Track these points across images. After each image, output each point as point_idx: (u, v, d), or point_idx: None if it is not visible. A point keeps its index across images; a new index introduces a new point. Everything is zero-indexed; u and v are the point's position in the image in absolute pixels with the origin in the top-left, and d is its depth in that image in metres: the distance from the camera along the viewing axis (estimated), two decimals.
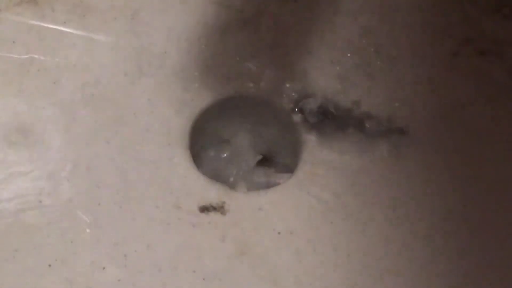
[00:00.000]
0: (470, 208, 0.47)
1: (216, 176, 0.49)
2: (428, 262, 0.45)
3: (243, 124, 0.52)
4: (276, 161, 0.53)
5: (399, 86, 0.50)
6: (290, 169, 0.50)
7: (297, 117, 0.50)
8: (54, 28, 0.50)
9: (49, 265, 0.43)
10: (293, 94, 0.50)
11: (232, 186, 0.48)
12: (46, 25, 0.50)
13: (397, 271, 0.44)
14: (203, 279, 0.43)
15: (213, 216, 0.45)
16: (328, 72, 0.51)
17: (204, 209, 0.46)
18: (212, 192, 0.46)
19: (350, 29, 0.51)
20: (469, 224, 0.46)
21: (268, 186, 0.48)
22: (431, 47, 0.51)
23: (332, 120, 0.49)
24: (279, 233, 0.45)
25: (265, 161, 0.52)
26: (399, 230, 0.46)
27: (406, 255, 0.45)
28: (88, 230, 0.44)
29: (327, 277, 0.44)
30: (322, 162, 0.48)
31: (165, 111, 0.49)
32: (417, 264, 0.45)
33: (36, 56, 0.49)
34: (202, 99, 0.50)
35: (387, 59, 0.51)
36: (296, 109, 0.50)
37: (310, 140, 0.49)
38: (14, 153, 0.46)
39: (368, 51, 0.51)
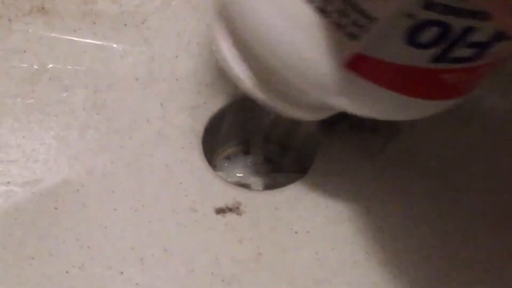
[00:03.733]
0: (489, 205, 0.46)
1: (231, 177, 0.49)
2: (446, 258, 0.44)
3: (257, 125, 0.52)
4: (291, 160, 0.53)
5: None
6: (305, 168, 0.49)
7: None
8: (65, 37, 0.50)
9: (66, 272, 0.43)
10: None
11: (247, 187, 0.48)
12: (56, 33, 0.50)
13: (415, 268, 0.44)
14: (222, 280, 0.43)
15: (230, 217, 0.45)
16: None
17: (220, 210, 0.45)
18: (228, 194, 0.46)
19: None
20: (488, 221, 0.46)
21: (283, 185, 0.48)
22: None
23: (346, 118, 0.49)
24: (296, 232, 0.45)
25: (280, 161, 0.52)
26: (417, 227, 0.45)
27: (424, 252, 0.45)
28: (104, 236, 0.44)
29: (346, 275, 0.43)
30: (338, 160, 0.48)
31: (178, 115, 0.49)
32: (435, 261, 0.44)
33: (47, 65, 0.49)
34: (214, 102, 0.50)
35: None
36: None
37: (325, 139, 0.49)
38: None
39: None
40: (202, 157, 0.48)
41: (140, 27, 0.50)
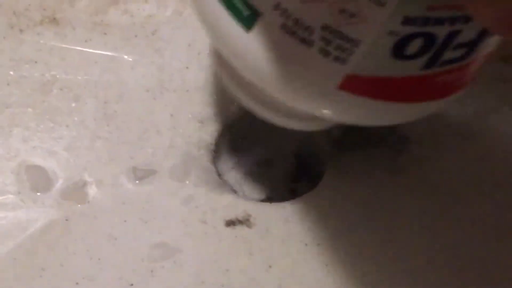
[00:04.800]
0: (499, 216, 0.46)
1: (241, 189, 0.49)
2: (458, 271, 0.44)
3: (268, 137, 0.52)
4: (301, 172, 0.53)
5: None
6: (315, 180, 0.49)
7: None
8: (76, 47, 0.50)
9: (77, 283, 0.43)
10: None
11: (257, 199, 0.48)
12: (67, 44, 0.50)
13: (425, 279, 0.44)
14: None
15: (240, 229, 0.45)
16: None
17: (230, 223, 0.45)
18: (238, 206, 0.46)
19: None
20: (498, 231, 0.46)
21: (293, 197, 0.48)
22: None
23: (355, 130, 0.49)
24: (306, 244, 0.45)
25: (290, 173, 0.52)
26: (426, 240, 0.45)
27: (435, 265, 0.45)
28: (114, 247, 0.44)
29: (356, 287, 0.43)
30: (347, 173, 0.48)
31: (188, 126, 0.49)
32: (446, 274, 0.44)
33: (58, 75, 0.49)
34: (225, 114, 0.50)
35: None
36: None
37: (335, 150, 0.49)
38: None
39: None
40: (212, 168, 0.48)
41: (150, 38, 0.51)
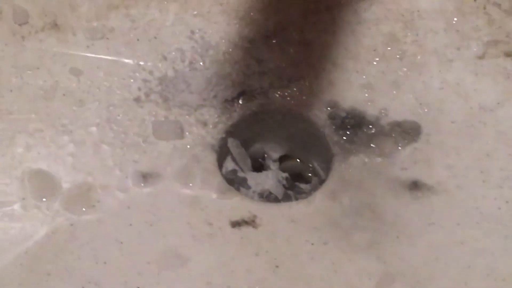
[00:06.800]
0: (505, 211, 0.46)
1: (246, 190, 0.49)
2: (465, 266, 0.44)
3: (271, 138, 0.52)
4: (307, 172, 0.53)
5: (426, 92, 0.50)
6: (320, 180, 0.49)
7: (325, 129, 0.49)
8: (78, 53, 0.50)
9: None
10: (320, 106, 0.50)
11: (262, 200, 0.48)
12: (69, 50, 0.50)
13: (433, 277, 0.44)
14: None
15: (245, 230, 0.45)
16: (354, 82, 0.50)
17: (236, 224, 0.45)
18: (243, 207, 0.46)
19: (373, 38, 0.51)
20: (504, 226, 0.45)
21: (299, 197, 0.48)
22: (456, 51, 0.50)
23: (360, 129, 0.49)
24: (312, 244, 0.45)
25: (295, 173, 0.52)
26: (434, 237, 0.45)
27: (443, 261, 0.44)
28: (120, 251, 0.44)
29: (364, 286, 0.43)
30: (353, 172, 0.48)
31: (192, 129, 0.49)
32: (455, 270, 0.44)
33: (60, 81, 0.49)
34: (229, 116, 0.50)
35: (412, 65, 0.50)
36: (324, 121, 0.49)
37: (340, 150, 0.49)
38: None
39: (393, 59, 0.51)
40: (217, 170, 0.48)
41: (152, 42, 0.50)
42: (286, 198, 0.49)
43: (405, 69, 0.50)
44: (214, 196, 0.47)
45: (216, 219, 0.45)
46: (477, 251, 0.44)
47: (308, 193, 0.48)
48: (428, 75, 0.50)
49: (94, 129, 0.48)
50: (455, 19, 0.51)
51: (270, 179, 0.50)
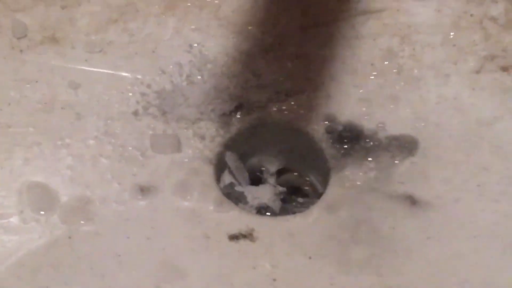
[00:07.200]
0: (502, 225, 0.46)
1: (244, 203, 0.49)
2: (463, 280, 0.44)
3: (269, 151, 0.52)
4: (304, 186, 0.53)
5: (423, 106, 0.50)
6: (318, 193, 0.49)
7: (323, 142, 0.49)
8: (76, 66, 0.50)
9: None
10: (318, 120, 0.50)
11: (260, 213, 0.48)
12: (68, 63, 0.50)
13: None
14: None
15: (243, 243, 0.45)
16: (351, 96, 0.51)
17: (234, 237, 0.45)
18: (241, 220, 0.46)
19: (371, 52, 0.51)
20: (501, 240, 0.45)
21: (297, 211, 0.48)
22: (453, 66, 0.51)
23: (358, 143, 0.49)
24: (310, 257, 0.45)
25: (293, 187, 0.52)
26: (431, 251, 0.45)
27: (440, 275, 0.44)
28: (118, 264, 0.44)
29: None
30: (351, 186, 0.48)
31: (190, 143, 0.49)
32: (452, 284, 0.44)
33: (59, 94, 0.49)
34: (226, 130, 0.50)
35: (409, 79, 0.51)
36: (322, 135, 0.50)
37: (337, 164, 0.49)
38: None
39: (390, 73, 0.51)
40: (215, 184, 0.48)
41: (151, 55, 0.51)
42: (284, 211, 0.49)
43: (402, 83, 0.51)
44: (212, 209, 0.47)
45: (213, 233, 0.45)
46: (474, 265, 0.44)
47: (305, 207, 0.48)
48: (425, 89, 0.51)
49: (92, 142, 0.48)
50: (452, 33, 0.51)
51: (267, 192, 0.50)
